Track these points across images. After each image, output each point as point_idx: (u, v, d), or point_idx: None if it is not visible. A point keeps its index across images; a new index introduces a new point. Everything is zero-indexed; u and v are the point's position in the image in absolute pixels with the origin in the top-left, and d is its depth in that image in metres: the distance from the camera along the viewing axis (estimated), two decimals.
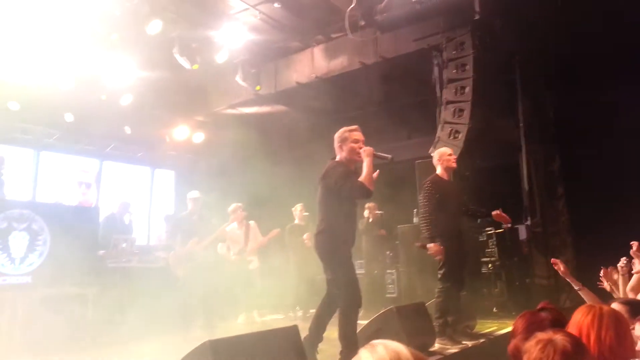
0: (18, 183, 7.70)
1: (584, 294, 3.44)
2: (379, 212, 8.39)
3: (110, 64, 7.88)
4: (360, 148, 3.91)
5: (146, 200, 10.01)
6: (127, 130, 9.03)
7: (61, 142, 8.78)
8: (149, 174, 10.26)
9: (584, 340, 1.61)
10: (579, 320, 1.72)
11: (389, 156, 3.96)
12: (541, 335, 1.45)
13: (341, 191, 3.82)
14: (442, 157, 5.02)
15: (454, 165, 5.04)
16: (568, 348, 1.39)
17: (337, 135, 4.01)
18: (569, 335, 1.48)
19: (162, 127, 9.75)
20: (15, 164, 7.53)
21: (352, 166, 3.97)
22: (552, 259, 3.80)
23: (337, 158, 4.01)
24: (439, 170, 5.02)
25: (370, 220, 8.36)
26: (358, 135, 3.98)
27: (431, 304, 4.92)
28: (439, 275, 4.83)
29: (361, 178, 3.79)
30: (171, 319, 5.99)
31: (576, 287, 3.51)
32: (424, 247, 4.84)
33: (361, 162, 3.87)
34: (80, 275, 5.98)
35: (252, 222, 7.46)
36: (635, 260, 3.44)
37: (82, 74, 7.73)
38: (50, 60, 7.37)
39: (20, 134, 8.28)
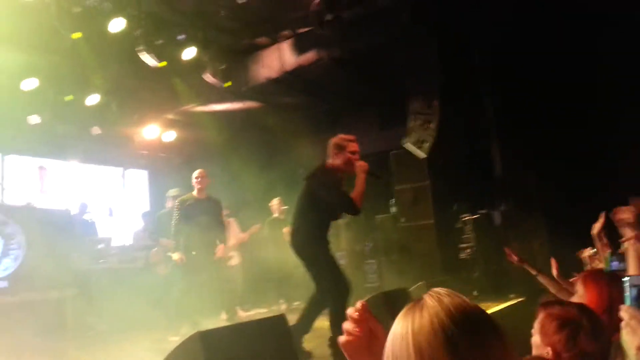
0: None
1: (542, 279, 3.37)
2: (285, 207, 7.71)
3: (74, 64, 7.67)
4: (357, 160, 3.87)
5: (120, 200, 9.84)
6: (96, 130, 8.83)
7: (27, 145, 8.52)
8: (120, 174, 10.08)
9: None
10: None
11: (380, 176, 4.03)
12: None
13: (330, 200, 3.79)
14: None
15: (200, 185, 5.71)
16: None
17: (333, 141, 3.96)
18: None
19: (132, 126, 9.57)
20: None
21: (342, 175, 3.93)
22: (505, 249, 3.74)
23: (329, 162, 3.94)
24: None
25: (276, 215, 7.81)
26: (355, 146, 3.93)
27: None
28: None
29: (353, 194, 3.74)
30: (154, 318, 5.95)
31: (533, 273, 3.43)
32: None
33: (352, 174, 3.83)
34: (58, 278, 5.86)
35: (231, 219, 7.45)
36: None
37: (46, 73, 7.53)
38: (11, 61, 7.14)
39: None
